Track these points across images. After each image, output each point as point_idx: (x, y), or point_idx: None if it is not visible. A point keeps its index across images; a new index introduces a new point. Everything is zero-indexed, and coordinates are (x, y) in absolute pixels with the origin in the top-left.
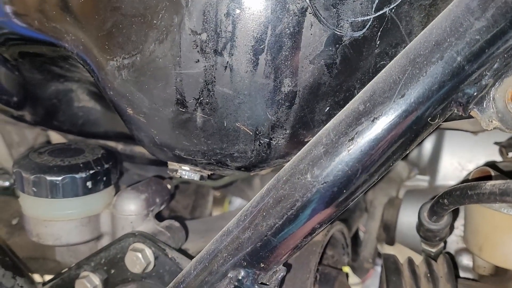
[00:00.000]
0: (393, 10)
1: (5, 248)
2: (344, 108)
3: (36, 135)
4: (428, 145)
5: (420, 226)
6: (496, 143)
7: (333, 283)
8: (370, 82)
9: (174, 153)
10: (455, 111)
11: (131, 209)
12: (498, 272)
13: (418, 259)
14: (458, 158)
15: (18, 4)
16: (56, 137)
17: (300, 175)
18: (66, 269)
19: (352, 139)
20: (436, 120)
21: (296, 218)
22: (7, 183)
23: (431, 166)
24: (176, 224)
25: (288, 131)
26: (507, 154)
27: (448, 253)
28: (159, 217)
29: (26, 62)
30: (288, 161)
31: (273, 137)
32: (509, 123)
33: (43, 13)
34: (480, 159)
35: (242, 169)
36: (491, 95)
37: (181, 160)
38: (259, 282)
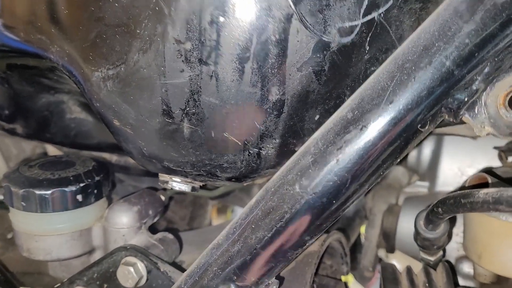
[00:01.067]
0: (382, 15)
1: None
2: (332, 116)
3: (33, 147)
4: (427, 150)
5: (417, 234)
6: (495, 148)
7: None
8: (358, 89)
9: (163, 164)
10: (446, 117)
11: (123, 222)
12: (500, 280)
13: (419, 267)
14: (458, 164)
15: (6, 16)
16: (52, 149)
17: (289, 185)
18: (59, 284)
19: (341, 148)
20: (427, 127)
21: (285, 230)
22: (1, 197)
23: (431, 172)
24: (170, 236)
25: (277, 141)
26: (507, 159)
27: (448, 261)
28: (154, 229)
29: (15, 75)
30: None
31: (263, 147)
32: (502, 129)
33: (30, 24)
34: (480, 164)
35: (233, 179)
36: (482, 100)
37: (170, 171)
38: None
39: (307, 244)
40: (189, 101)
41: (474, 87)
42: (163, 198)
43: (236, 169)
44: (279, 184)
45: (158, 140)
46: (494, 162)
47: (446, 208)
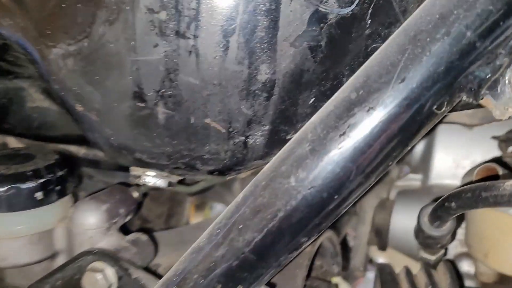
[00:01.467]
0: None
1: None
2: (333, 97)
3: None
4: (419, 141)
5: (419, 232)
6: (494, 138)
7: None
8: (362, 66)
9: (135, 156)
10: (465, 98)
11: (90, 222)
12: (503, 279)
13: (413, 266)
14: (453, 155)
15: None
16: (13, 141)
17: (282, 179)
18: None
19: (344, 133)
20: (443, 109)
21: (278, 231)
22: None
23: (424, 164)
24: (144, 237)
25: (267, 128)
26: (507, 149)
27: (450, 260)
28: (126, 229)
29: None
30: (268, 162)
31: (250, 135)
32: None
33: None
34: (476, 155)
35: (215, 173)
36: (506, 78)
37: (143, 164)
38: None
39: (303, 246)
40: (164, 81)
41: (498, 62)
42: (136, 195)
43: (219, 161)
44: (271, 177)
45: (128, 127)
46: (491, 152)
47: (462, 203)
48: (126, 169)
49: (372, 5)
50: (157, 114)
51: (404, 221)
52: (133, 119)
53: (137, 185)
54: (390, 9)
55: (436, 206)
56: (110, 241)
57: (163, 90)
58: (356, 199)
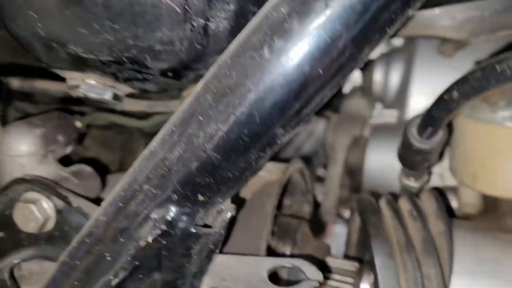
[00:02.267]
0: None
1: None
2: None
3: None
4: (394, 75)
5: (405, 148)
6: (477, 63)
7: (294, 235)
8: None
9: (68, 51)
10: None
11: (21, 148)
12: (488, 209)
13: None
14: (431, 88)
15: None
16: None
17: (253, 51)
18: None
19: None
20: None
21: (248, 120)
22: None
23: (400, 98)
24: (88, 168)
25: (232, 7)
26: None
27: (436, 188)
28: (67, 162)
29: None
30: None
31: (212, 16)
32: None
33: None
34: None
35: (169, 73)
36: None
37: (81, 64)
38: (197, 224)
39: (278, 141)
40: None
41: None
42: (79, 124)
43: (173, 54)
44: (239, 52)
45: (57, 8)
46: None
47: (468, 88)
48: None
49: None
50: None
51: (379, 158)
52: None
53: (81, 114)
54: None
55: (431, 107)
56: (47, 170)
57: None
58: (347, 75)
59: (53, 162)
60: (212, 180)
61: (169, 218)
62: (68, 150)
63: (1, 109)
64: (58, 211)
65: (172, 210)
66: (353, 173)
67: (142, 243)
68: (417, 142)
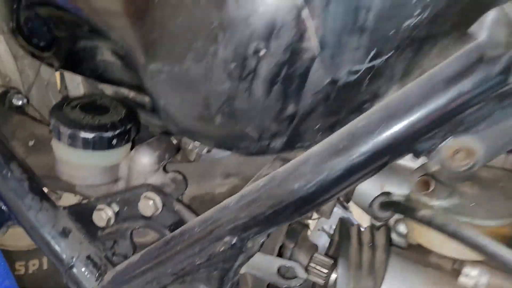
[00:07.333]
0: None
1: (34, 173)
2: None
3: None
4: None
5: (370, 212)
6: None
7: (296, 238)
8: None
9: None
10: None
11: (145, 163)
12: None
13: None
14: None
15: None
16: (69, 76)
17: None
18: (87, 200)
19: None
20: None
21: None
22: (20, 102)
23: None
24: (180, 177)
25: (285, 139)
26: None
27: (387, 225)
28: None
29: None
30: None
31: (272, 141)
32: None
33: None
34: None
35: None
36: None
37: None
38: (247, 246)
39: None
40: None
41: None
42: (175, 141)
43: (248, 150)
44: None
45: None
46: None
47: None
48: None
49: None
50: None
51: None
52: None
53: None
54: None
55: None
56: (158, 178)
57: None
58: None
59: (162, 172)
60: (261, 231)
61: (233, 242)
62: (169, 160)
63: (134, 134)
64: (164, 206)
65: (235, 239)
66: None
67: (215, 250)
68: (377, 213)
